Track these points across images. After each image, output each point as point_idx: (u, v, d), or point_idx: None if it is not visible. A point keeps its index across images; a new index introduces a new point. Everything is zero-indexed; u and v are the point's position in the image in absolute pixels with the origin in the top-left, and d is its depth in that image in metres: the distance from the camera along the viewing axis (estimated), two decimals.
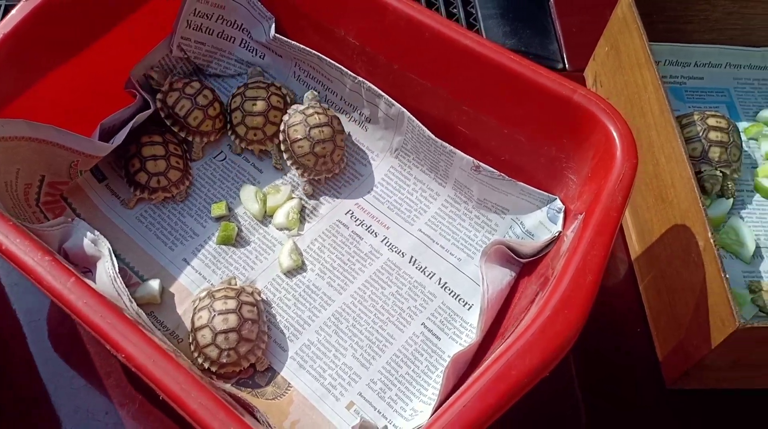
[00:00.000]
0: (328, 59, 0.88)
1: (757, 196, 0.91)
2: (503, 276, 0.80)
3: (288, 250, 0.83)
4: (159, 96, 0.88)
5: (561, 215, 0.78)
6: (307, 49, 0.88)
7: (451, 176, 0.86)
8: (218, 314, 0.74)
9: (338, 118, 0.89)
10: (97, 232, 0.76)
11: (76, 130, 0.78)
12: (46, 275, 0.61)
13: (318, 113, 0.87)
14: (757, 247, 0.86)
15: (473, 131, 0.83)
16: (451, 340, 0.79)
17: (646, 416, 0.79)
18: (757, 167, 0.93)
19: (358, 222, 0.87)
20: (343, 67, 0.88)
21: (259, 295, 0.80)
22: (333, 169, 0.88)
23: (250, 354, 0.75)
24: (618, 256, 0.89)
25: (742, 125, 0.97)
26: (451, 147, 0.83)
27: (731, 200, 0.88)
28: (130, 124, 0.84)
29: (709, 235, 0.69)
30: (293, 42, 0.89)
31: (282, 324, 0.80)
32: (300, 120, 0.87)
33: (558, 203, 0.79)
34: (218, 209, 0.86)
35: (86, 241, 0.74)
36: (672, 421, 0.78)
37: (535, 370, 0.55)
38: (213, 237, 0.85)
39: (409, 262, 0.84)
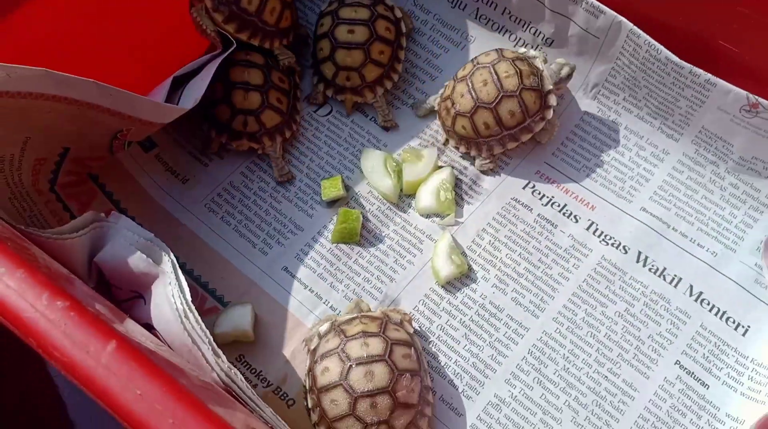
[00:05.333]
0: None
1: None
2: None
3: (445, 250, 0.51)
4: None
5: None
6: None
7: (695, 123, 0.52)
8: (357, 364, 0.42)
9: (527, 64, 0.53)
10: (150, 235, 0.44)
11: (125, 84, 0.45)
12: (59, 338, 0.29)
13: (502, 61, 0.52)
14: None
15: (748, 48, 0.49)
16: (727, 389, 0.46)
17: None
18: None
19: (546, 199, 0.54)
20: None
21: (411, 325, 0.47)
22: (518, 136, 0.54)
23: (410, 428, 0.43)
24: None
25: None
26: (709, 75, 0.49)
27: None
28: (211, 72, 0.51)
29: None
30: None
31: (450, 370, 0.48)
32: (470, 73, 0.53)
33: None
34: (332, 188, 0.53)
35: (134, 252, 0.42)
36: None
37: None
38: (327, 232, 0.53)
39: (638, 262, 0.51)
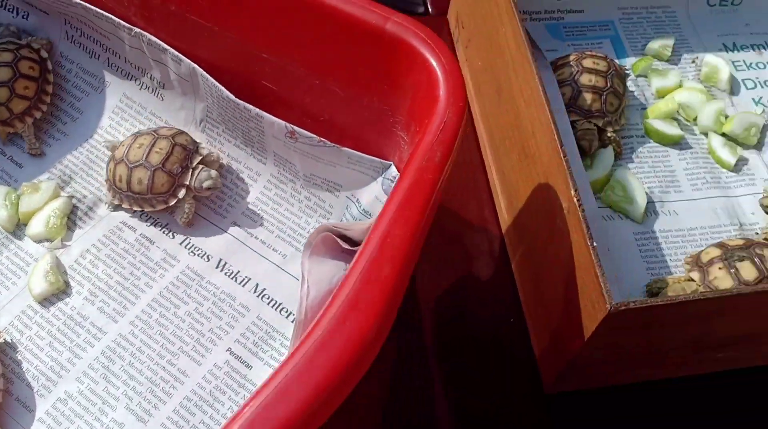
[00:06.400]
0: (95, 8, 0.62)
1: (649, 142, 0.70)
2: (335, 273, 0.56)
3: (43, 270, 0.57)
4: None
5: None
6: None
7: (268, 149, 0.62)
8: None
9: (186, 156, 0.60)
10: None
11: None
12: None
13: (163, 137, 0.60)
14: (650, 203, 0.65)
15: (281, 86, 0.59)
16: (267, 368, 0.55)
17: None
18: (646, 108, 0.72)
19: (151, 221, 0.61)
20: (114, 17, 0.62)
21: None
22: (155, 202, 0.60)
23: None
24: (488, 230, 0.66)
25: (629, 61, 0.76)
26: (257, 110, 0.58)
27: (611, 150, 0.67)
28: None
29: (572, 192, 0.48)
30: None
31: (30, 374, 0.54)
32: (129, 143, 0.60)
33: (393, 171, 0.55)
34: None
35: None
36: None
37: (309, 407, 0.35)
38: None
39: (217, 268, 0.59)
